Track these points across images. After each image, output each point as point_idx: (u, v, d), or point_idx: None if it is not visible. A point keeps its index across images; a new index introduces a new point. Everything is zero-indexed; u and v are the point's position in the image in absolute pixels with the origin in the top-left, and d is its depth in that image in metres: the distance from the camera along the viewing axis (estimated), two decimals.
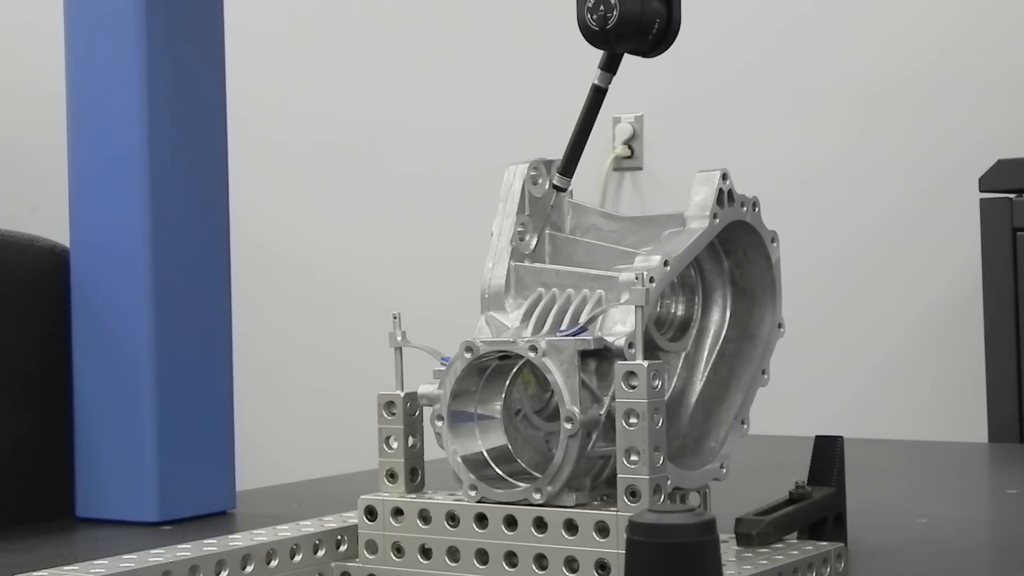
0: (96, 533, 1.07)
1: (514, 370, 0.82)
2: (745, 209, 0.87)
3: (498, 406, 0.83)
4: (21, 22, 3.13)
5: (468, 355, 0.81)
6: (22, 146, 3.13)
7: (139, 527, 1.07)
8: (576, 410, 0.77)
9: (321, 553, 0.85)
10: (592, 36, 0.89)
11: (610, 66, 0.91)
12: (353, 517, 0.87)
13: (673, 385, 0.87)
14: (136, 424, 1.08)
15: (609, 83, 0.91)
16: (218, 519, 1.10)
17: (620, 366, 0.76)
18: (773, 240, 0.88)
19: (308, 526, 0.86)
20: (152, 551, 0.80)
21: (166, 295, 1.09)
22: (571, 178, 0.90)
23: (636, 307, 0.78)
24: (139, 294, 1.09)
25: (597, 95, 0.91)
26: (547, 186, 0.90)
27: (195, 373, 1.11)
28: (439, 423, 0.82)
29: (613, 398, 0.76)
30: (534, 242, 0.88)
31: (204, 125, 1.14)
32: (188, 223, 1.11)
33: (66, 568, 0.78)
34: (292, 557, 0.84)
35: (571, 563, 0.77)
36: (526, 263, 0.87)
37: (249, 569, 0.81)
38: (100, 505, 1.10)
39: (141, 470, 1.08)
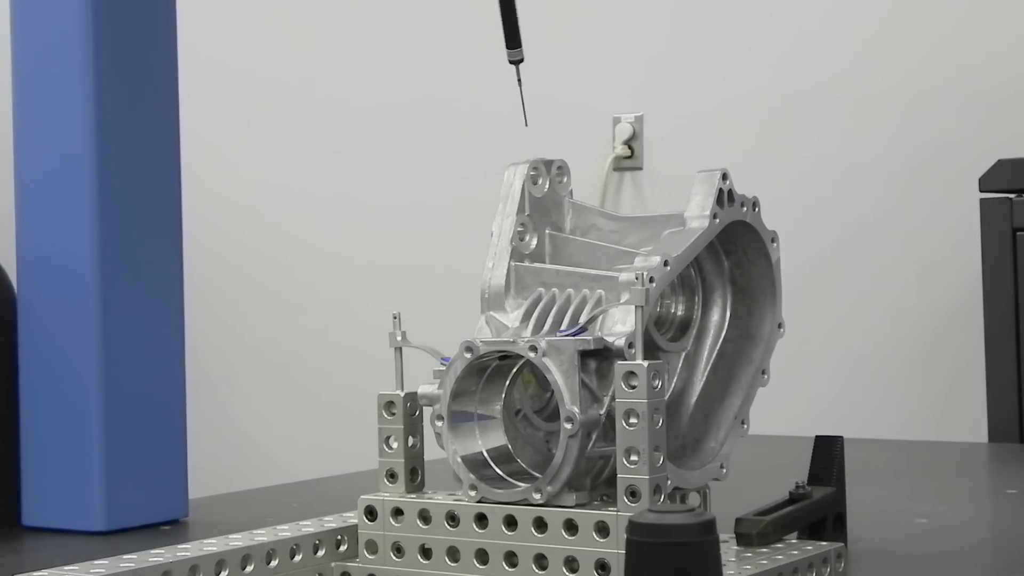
0: (41, 542, 1.05)
1: (514, 370, 0.82)
2: (745, 209, 0.87)
3: (498, 406, 0.83)
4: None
5: (468, 355, 0.81)
6: None
7: (84, 536, 1.05)
8: (576, 410, 0.77)
9: (321, 553, 0.85)
10: None
11: None
12: (353, 517, 0.87)
13: (673, 385, 0.87)
14: (83, 431, 1.06)
15: None
16: (168, 528, 1.08)
17: (620, 366, 0.76)
18: (773, 240, 0.88)
19: (308, 526, 0.86)
20: (152, 551, 0.80)
21: (114, 300, 1.07)
22: (520, 49, 0.92)
23: (636, 307, 0.78)
24: (86, 300, 1.06)
25: None
26: (545, 186, 0.90)
27: (145, 380, 1.08)
28: (439, 423, 0.82)
29: (613, 398, 0.76)
30: (534, 242, 0.88)
31: (155, 126, 1.11)
32: (137, 229, 1.09)
33: (66, 568, 0.78)
34: (292, 557, 0.84)
35: (571, 563, 0.77)
36: (526, 263, 0.87)
37: (249, 569, 0.81)
38: (46, 514, 1.08)
39: (87, 478, 1.06)
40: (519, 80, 0.92)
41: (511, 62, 0.94)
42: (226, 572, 0.80)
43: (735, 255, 0.89)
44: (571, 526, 0.77)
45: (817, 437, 0.88)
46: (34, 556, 1.01)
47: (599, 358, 0.79)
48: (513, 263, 0.87)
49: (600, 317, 0.81)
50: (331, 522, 0.88)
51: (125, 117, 1.09)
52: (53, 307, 1.08)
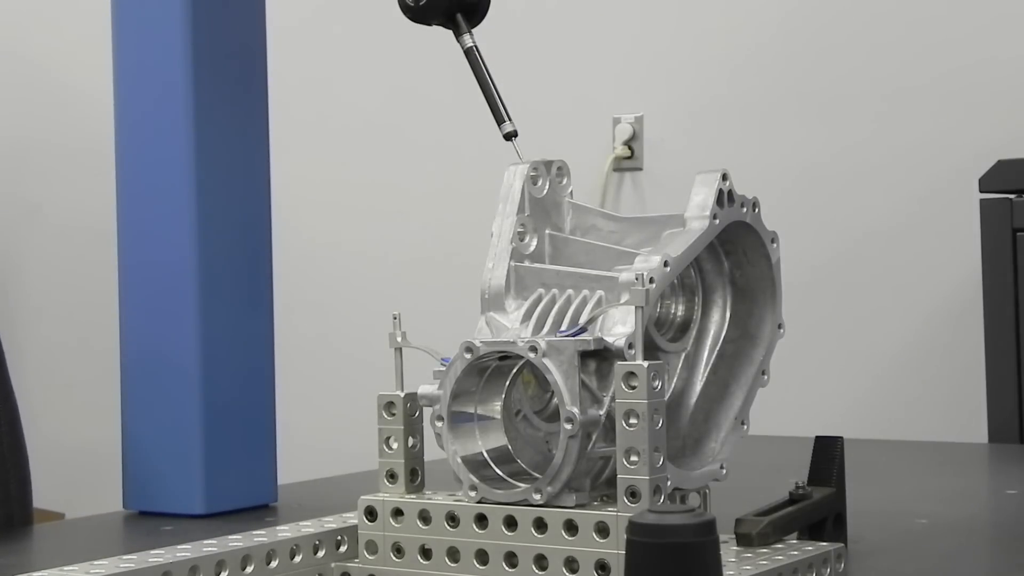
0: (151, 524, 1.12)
1: (514, 370, 0.82)
2: (745, 210, 0.87)
3: (498, 406, 0.83)
4: (20, 20, 3.13)
5: (468, 355, 0.81)
6: (24, 145, 3.13)
7: (187, 519, 1.11)
8: (576, 411, 0.77)
9: (321, 553, 0.85)
10: (408, 11, 1.05)
11: (459, 29, 1.04)
12: (353, 517, 0.87)
13: (673, 385, 0.87)
14: (184, 422, 1.13)
15: (473, 38, 1.03)
16: (261, 511, 1.15)
17: (620, 366, 0.76)
18: (773, 241, 0.88)
19: (308, 526, 0.87)
20: (151, 551, 0.81)
21: (211, 303, 1.14)
22: (510, 122, 0.99)
23: (636, 307, 0.78)
24: (185, 303, 1.13)
25: (475, 53, 1.03)
26: (545, 187, 0.90)
27: (239, 374, 1.16)
28: (439, 423, 0.82)
29: (613, 398, 0.76)
30: (534, 242, 0.88)
31: (248, 140, 1.19)
32: (233, 233, 1.16)
33: (66, 568, 0.78)
34: (292, 557, 0.84)
35: (571, 563, 0.77)
36: (526, 263, 0.87)
37: (249, 569, 0.81)
38: (149, 499, 1.15)
39: (188, 465, 1.13)
40: (518, 153, 0.95)
41: (505, 137, 0.98)
42: (226, 572, 0.80)
43: (735, 256, 0.89)
44: (571, 526, 0.77)
45: (817, 437, 0.88)
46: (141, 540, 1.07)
47: (599, 358, 0.79)
48: (513, 263, 0.87)
49: (600, 317, 0.81)
50: (331, 522, 0.88)
51: (222, 130, 1.16)
52: (155, 309, 1.15)
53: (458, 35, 1.04)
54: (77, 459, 2.94)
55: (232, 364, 1.15)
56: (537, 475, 0.80)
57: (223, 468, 1.14)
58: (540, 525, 0.78)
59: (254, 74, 1.19)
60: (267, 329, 1.20)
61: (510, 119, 0.99)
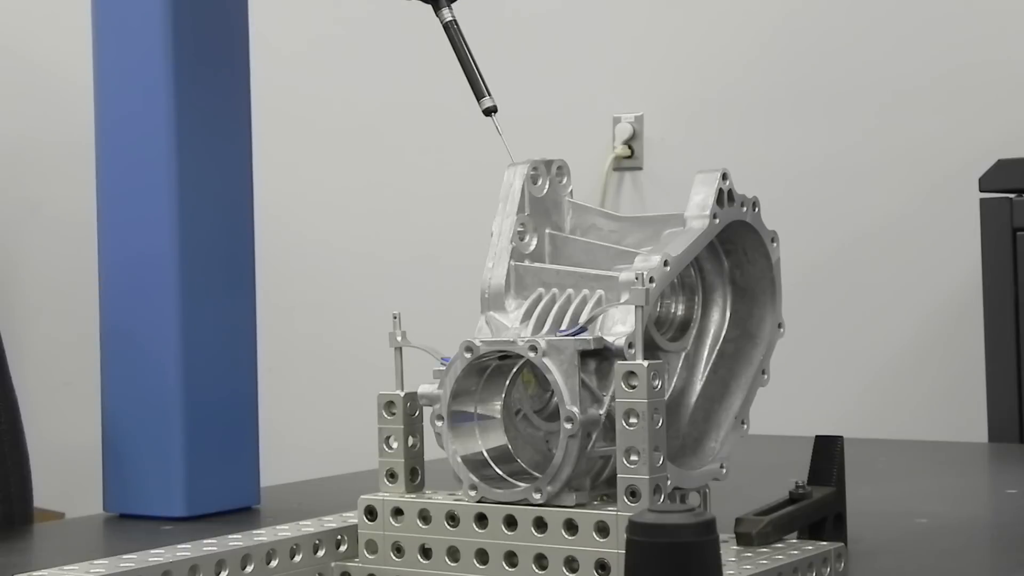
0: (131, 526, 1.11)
1: (514, 370, 0.82)
2: (745, 209, 0.87)
3: (498, 406, 0.83)
4: (21, 20, 3.13)
5: (468, 355, 0.81)
6: (24, 144, 3.13)
7: (168, 521, 1.10)
8: (576, 410, 0.77)
9: (321, 553, 0.85)
10: None
11: (439, 3, 1.03)
12: (353, 517, 0.87)
13: (673, 385, 0.87)
14: (165, 424, 1.12)
15: (452, 12, 1.02)
16: (243, 514, 1.13)
17: (620, 366, 0.76)
18: (773, 240, 0.88)
19: (308, 526, 0.86)
20: (152, 551, 0.81)
21: (192, 299, 1.12)
22: (490, 97, 0.98)
23: (636, 307, 0.78)
24: (166, 297, 1.12)
25: (454, 27, 1.02)
26: (545, 187, 0.90)
27: (221, 374, 1.14)
28: (439, 423, 0.82)
29: (613, 398, 0.76)
30: (534, 242, 0.88)
31: (230, 133, 1.16)
32: (214, 229, 1.14)
33: (66, 568, 0.78)
34: (292, 557, 0.84)
35: (571, 563, 0.77)
36: (526, 263, 0.87)
37: (249, 569, 0.81)
38: (129, 501, 1.14)
39: (169, 467, 1.11)
40: (497, 128, 0.94)
41: (485, 112, 0.97)
42: (226, 572, 0.80)
43: (735, 255, 0.89)
44: (571, 526, 0.77)
45: (817, 437, 0.88)
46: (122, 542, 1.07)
47: (599, 358, 0.79)
48: (513, 263, 0.87)
49: (600, 317, 0.81)
50: (331, 522, 0.88)
51: (203, 130, 1.14)
52: (135, 308, 1.13)
53: (437, 9, 1.03)
54: (77, 459, 2.93)
55: (214, 364, 1.14)
56: (537, 474, 0.80)
57: (204, 470, 1.12)
58: (540, 524, 0.78)
59: (235, 70, 1.16)
60: (249, 329, 1.17)
61: (490, 94, 0.99)
